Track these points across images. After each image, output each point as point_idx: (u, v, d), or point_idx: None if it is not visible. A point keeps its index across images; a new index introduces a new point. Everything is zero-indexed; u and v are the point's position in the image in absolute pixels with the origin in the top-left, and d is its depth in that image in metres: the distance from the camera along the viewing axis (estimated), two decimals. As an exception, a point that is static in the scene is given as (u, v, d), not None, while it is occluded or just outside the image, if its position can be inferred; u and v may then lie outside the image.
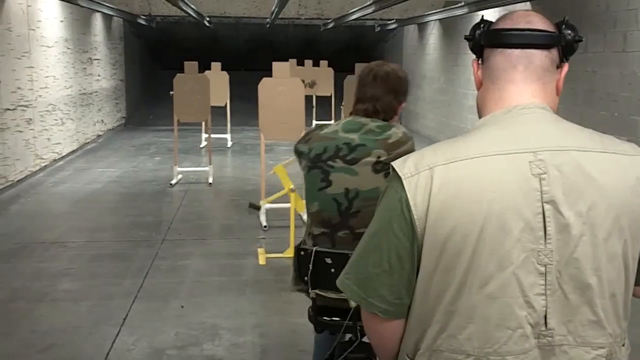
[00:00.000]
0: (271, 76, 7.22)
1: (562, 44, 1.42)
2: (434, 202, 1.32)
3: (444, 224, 1.32)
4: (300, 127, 6.97)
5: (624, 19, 7.01)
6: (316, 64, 13.93)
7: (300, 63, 13.57)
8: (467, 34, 1.50)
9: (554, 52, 1.42)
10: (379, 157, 2.63)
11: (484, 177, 1.32)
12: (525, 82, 1.41)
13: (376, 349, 1.55)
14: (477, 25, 1.48)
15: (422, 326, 1.40)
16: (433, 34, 14.43)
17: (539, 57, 1.40)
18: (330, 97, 13.99)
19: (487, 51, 1.46)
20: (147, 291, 5.21)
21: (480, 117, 1.47)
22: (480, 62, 1.48)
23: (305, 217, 6.60)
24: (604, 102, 7.37)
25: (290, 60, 11.68)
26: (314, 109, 13.94)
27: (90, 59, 13.14)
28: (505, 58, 1.41)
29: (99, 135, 13.70)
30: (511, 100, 1.41)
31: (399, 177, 1.37)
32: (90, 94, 13.03)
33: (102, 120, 14.11)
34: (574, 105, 7.77)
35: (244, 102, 14.53)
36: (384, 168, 2.63)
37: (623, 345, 1.41)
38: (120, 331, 4.46)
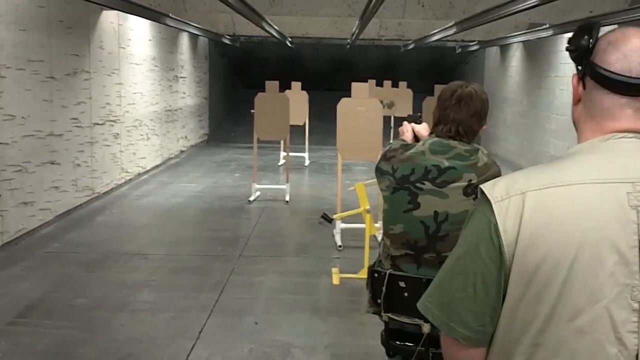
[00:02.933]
0: (350, 96, 7.27)
1: None
2: (524, 229, 1.28)
3: (535, 251, 1.27)
4: (378, 148, 6.98)
5: None
6: (395, 84, 13.92)
7: (380, 84, 13.59)
8: (569, 44, 1.41)
9: None
10: (470, 181, 2.60)
11: (579, 206, 1.26)
12: (631, 122, 1.35)
13: None
14: (581, 34, 1.38)
15: (504, 356, 1.35)
16: (515, 56, 14.21)
17: None
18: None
19: (590, 81, 1.37)
20: (223, 306, 5.30)
21: (578, 135, 1.42)
22: (580, 77, 1.41)
23: (379, 238, 6.60)
24: None
25: (369, 80, 11.73)
26: (392, 130, 13.92)
27: (176, 76, 13.53)
28: (612, 100, 1.35)
29: (182, 151, 14.05)
30: (611, 129, 1.36)
31: (489, 201, 1.33)
32: (175, 110, 13.41)
33: (186, 137, 14.48)
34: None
35: (323, 122, 14.65)
36: (474, 191, 2.59)
37: None
38: (195, 344, 4.56)
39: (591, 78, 1.36)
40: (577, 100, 1.43)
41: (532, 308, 1.29)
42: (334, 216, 7.22)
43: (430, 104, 10.35)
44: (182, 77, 14.02)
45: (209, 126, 17.03)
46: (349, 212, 7.08)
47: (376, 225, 6.90)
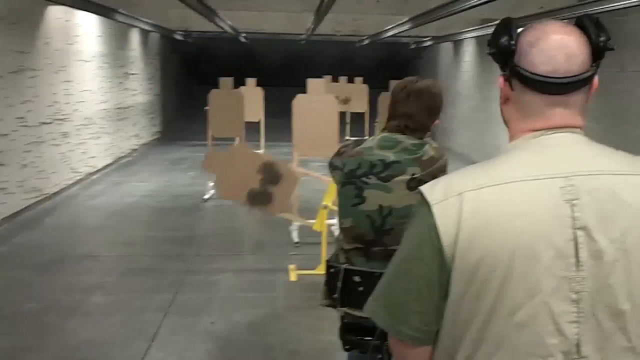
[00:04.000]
0: (306, 92, 7.22)
1: (597, 58, 1.36)
2: (463, 229, 1.30)
3: (474, 251, 1.29)
4: (334, 144, 6.94)
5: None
6: (351, 80, 13.94)
7: (335, 79, 13.58)
8: (489, 46, 1.42)
9: (591, 81, 1.38)
10: (413, 175, 2.61)
11: (514, 204, 1.29)
12: (562, 119, 1.37)
13: None
14: (499, 35, 1.39)
15: (449, 353, 1.38)
16: (468, 51, 14.36)
17: (578, 96, 1.37)
18: (365, 113, 13.97)
19: (517, 83, 1.39)
20: (179, 306, 5.20)
21: (509, 133, 1.45)
22: (506, 77, 1.42)
23: (337, 233, 6.56)
24: (627, 119, 7.26)
25: (324, 76, 11.70)
26: (348, 125, 13.92)
27: (127, 73, 13.30)
28: (542, 100, 1.37)
29: (133, 150, 13.83)
30: (542, 126, 1.38)
31: (428, 203, 1.35)
32: (126, 108, 13.18)
33: (138, 135, 14.25)
34: (611, 125, 7.63)
35: (279, 118, 14.57)
36: (418, 185, 2.59)
37: None
38: (150, 346, 4.45)
39: (518, 80, 1.38)
40: (505, 100, 1.45)
41: (474, 305, 1.32)
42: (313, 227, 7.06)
43: (385, 99, 10.38)
44: (133, 74, 13.80)
45: (162, 124, 16.82)
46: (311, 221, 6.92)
47: (329, 221, 6.86)
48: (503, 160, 1.38)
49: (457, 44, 15.15)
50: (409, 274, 1.37)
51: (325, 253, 5.96)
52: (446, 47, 16.33)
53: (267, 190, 5.68)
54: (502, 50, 1.38)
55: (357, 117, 14.32)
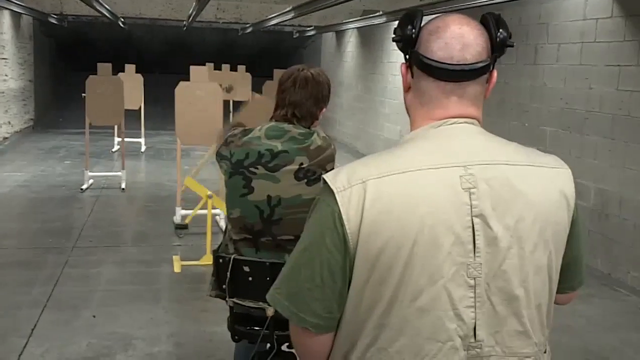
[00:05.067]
0: (187, 80, 7.10)
1: (494, 53, 1.41)
2: (366, 216, 1.32)
3: (377, 238, 1.32)
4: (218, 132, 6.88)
5: (535, 32, 7.24)
6: (234, 68, 13.83)
7: (218, 67, 13.44)
8: (394, 34, 1.46)
9: (486, 73, 1.42)
10: (301, 164, 2.62)
11: (416, 192, 1.32)
12: (458, 109, 1.41)
13: None
14: (404, 24, 1.43)
15: (352, 339, 1.39)
16: (351, 42, 14.57)
17: (473, 87, 1.41)
18: (248, 102, 13.90)
19: (417, 70, 1.43)
20: (57, 300, 5.01)
21: (410, 122, 1.47)
22: (408, 65, 1.46)
23: (222, 223, 6.52)
24: (515, 112, 7.58)
25: (207, 64, 11.54)
26: (231, 114, 13.83)
27: (-3, 57, 12.62)
28: (438, 88, 1.41)
29: (5, 138, 13.15)
30: (440, 116, 1.42)
31: (332, 191, 1.36)
32: (-4, 94, 12.52)
33: (9, 122, 13.57)
34: (487, 115, 7.85)
35: (159, 106, 14.29)
36: (306, 175, 2.63)
37: (545, 352, 1.46)
38: (28, 342, 4.28)
39: (417, 67, 1.41)
40: (407, 88, 1.48)
41: (377, 291, 1.34)
42: (186, 220, 7.00)
43: (269, 87, 10.37)
44: (3, 59, 13.10)
45: (35, 111, 16.08)
46: (196, 208, 6.86)
47: (214, 211, 6.82)
48: (405, 149, 1.41)
49: (340, 34, 15.34)
50: (312, 262, 1.37)
51: (210, 243, 5.92)
52: (329, 37, 16.49)
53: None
54: (405, 38, 1.42)
55: (240, 106, 14.26)
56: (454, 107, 1.41)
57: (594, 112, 6.27)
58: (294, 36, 17.43)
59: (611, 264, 5.97)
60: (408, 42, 1.42)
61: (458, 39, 1.37)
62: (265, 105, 5.63)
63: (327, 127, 15.35)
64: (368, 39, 13.18)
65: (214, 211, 6.43)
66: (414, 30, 1.41)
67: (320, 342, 1.43)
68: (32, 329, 4.47)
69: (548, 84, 7.01)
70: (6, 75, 13.31)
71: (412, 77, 1.44)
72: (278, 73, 11.46)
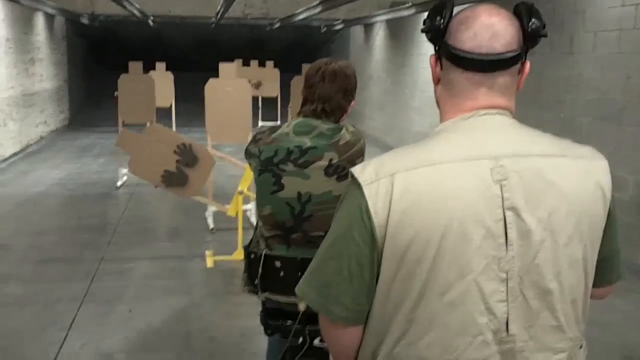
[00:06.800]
0: (216, 76, 7.19)
1: (527, 43, 1.38)
2: (394, 210, 1.30)
3: (405, 231, 1.30)
4: (247, 129, 6.97)
5: (570, 20, 7.10)
6: (262, 64, 13.90)
7: (246, 63, 13.53)
8: (424, 25, 1.44)
9: (517, 63, 1.39)
10: (330, 160, 2.60)
11: (445, 185, 1.30)
12: (487, 100, 1.39)
13: (334, 355, 1.52)
14: (433, 15, 1.41)
15: (380, 333, 1.39)
16: (379, 34, 14.52)
17: (503, 78, 1.38)
18: (277, 98, 13.97)
19: (445, 61, 1.41)
20: (94, 295, 5.15)
21: (440, 114, 1.46)
22: (437, 57, 1.44)
23: (253, 219, 6.59)
24: (551, 104, 7.44)
25: (235, 60, 11.65)
26: (260, 110, 13.92)
27: (33, 59, 12.87)
28: (467, 79, 1.39)
29: (41, 137, 13.42)
30: (470, 107, 1.40)
31: (359, 184, 1.35)
32: (32, 94, 12.77)
33: (45, 122, 13.83)
34: (521, 106, 7.77)
35: (189, 103, 14.42)
36: (336, 171, 2.61)
37: (580, 347, 1.44)
38: (67, 336, 4.41)
39: (446, 58, 1.40)
40: (437, 81, 1.46)
41: (405, 286, 1.33)
42: (228, 212, 6.98)
43: (298, 83, 10.43)
44: (39, 59, 13.36)
45: (70, 110, 16.36)
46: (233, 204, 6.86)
47: (246, 206, 6.90)
48: (434, 142, 1.39)
49: (368, 28, 15.31)
50: (341, 255, 1.37)
51: (241, 239, 6.01)
52: (357, 31, 16.47)
53: (183, 172, 5.67)
54: (434, 29, 1.40)
55: (269, 102, 14.33)
56: (483, 98, 1.38)
57: (632, 102, 6.11)
58: (322, 30, 17.44)
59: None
60: (437, 33, 1.40)
61: (487, 28, 1.34)
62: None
63: (356, 122, 15.38)
64: (397, 31, 13.13)
65: (244, 207, 6.49)
66: (442, 21, 1.39)
67: (349, 335, 1.43)
68: (71, 323, 4.61)
69: (584, 74, 6.86)
70: (41, 76, 13.56)
71: (442, 68, 1.43)
72: (306, 68, 11.51)
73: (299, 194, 2.63)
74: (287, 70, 13.61)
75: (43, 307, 4.90)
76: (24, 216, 7.64)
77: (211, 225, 7.03)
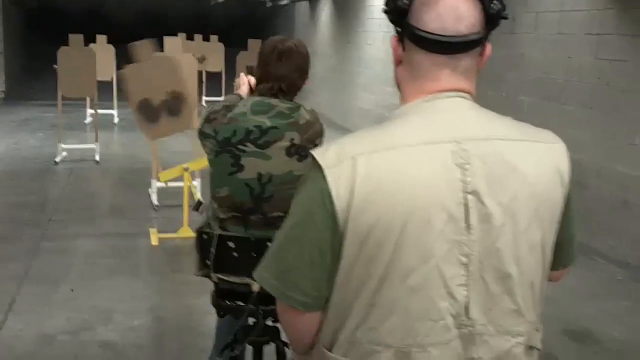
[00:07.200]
0: (160, 50, 7.03)
1: (488, 25, 1.37)
2: (357, 194, 1.28)
3: (367, 215, 1.28)
4: (193, 103, 6.84)
5: (512, 1, 7.21)
6: (206, 38, 13.70)
7: (190, 37, 13.30)
8: (385, 5, 1.40)
9: (480, 45, 1.38)
10: (292, 140, 2.57)
11: (407, 168, 1.29)
12: (449, 82, 1.38)
13: (292, 341, 1.51)
14: None
15: (340, 318, 1.37)
16: (325, 10, 14.47)
17: (466, 60, 1.38)
18: (221, 72, 13.82)
19: (408, 43, 1.39)
20: (35, 274, 5.00)
21: (401, 96, 1.44)
22: (399, 38, 1.41)
23: (198, 196, 6.49)
24: (493, 82, 7.54)
25: (179, 34, 11.43)
26: (204, 85, 13.73)
27: (-35, 28, 12.39)
28: (431, 61, 1.37)
29: (-25, 110, 12.97)
30: (432, 89, 1.38)
31: (320, 167, 1.32)
32: (-35, 66, 12.31)
33: (-21, 94, 13.36)
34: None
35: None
36: (297, 151, 2.58)
37: (537, 330, 1.44)
38: (7, 317, 4.27)
39: (409, 39, 1.38)
40: (398, 62, 1.44)
41: (366, 270, 1.31)
42: (156, 181, 6.88)
43: (244, 58, 10.30)
44: (-28, 29, 12.87)
45: (5, 83, 15.82)
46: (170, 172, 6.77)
47: (193, 182, 6.78)
48: (396, 125, 1.38)
49: (314, 3, 15.23)
50: (301, 239, 1.34)
51: (187, 216, 5.92)
52: (303, 7, 16.37)
53: (159, 113, 5.56)
54: (397, 9, 1.37)
55: (213, 77, 14.16)
56: (446, 80, 1.37)
57: (572, 81, 6.25)
58: (267, 5, 17.27)
59: (589, 234, 5.94)
60: (400, 14, 1.37)
61: (452, 10, 1.32)
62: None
63: (302, 99, 15.29)
64: (342, 7, 13.09)
65: (193, 183, 6.39)
66: (405, 2, 1.36)
67: (308, 320, 1.41)
68: (11, 304, 4.47)
69: (526, 54, 7.01)
70: (-26, 47, 13.07)
71: (404, 50, 1.40)
72: (252, 43, 11.41)
73: (260, 174, 2.59)
74: (232, 45, 13.46)
75: (-20, 287, 4.73)
76: (-42, 193, 7.38)
77: (155, 202, 6.90)
